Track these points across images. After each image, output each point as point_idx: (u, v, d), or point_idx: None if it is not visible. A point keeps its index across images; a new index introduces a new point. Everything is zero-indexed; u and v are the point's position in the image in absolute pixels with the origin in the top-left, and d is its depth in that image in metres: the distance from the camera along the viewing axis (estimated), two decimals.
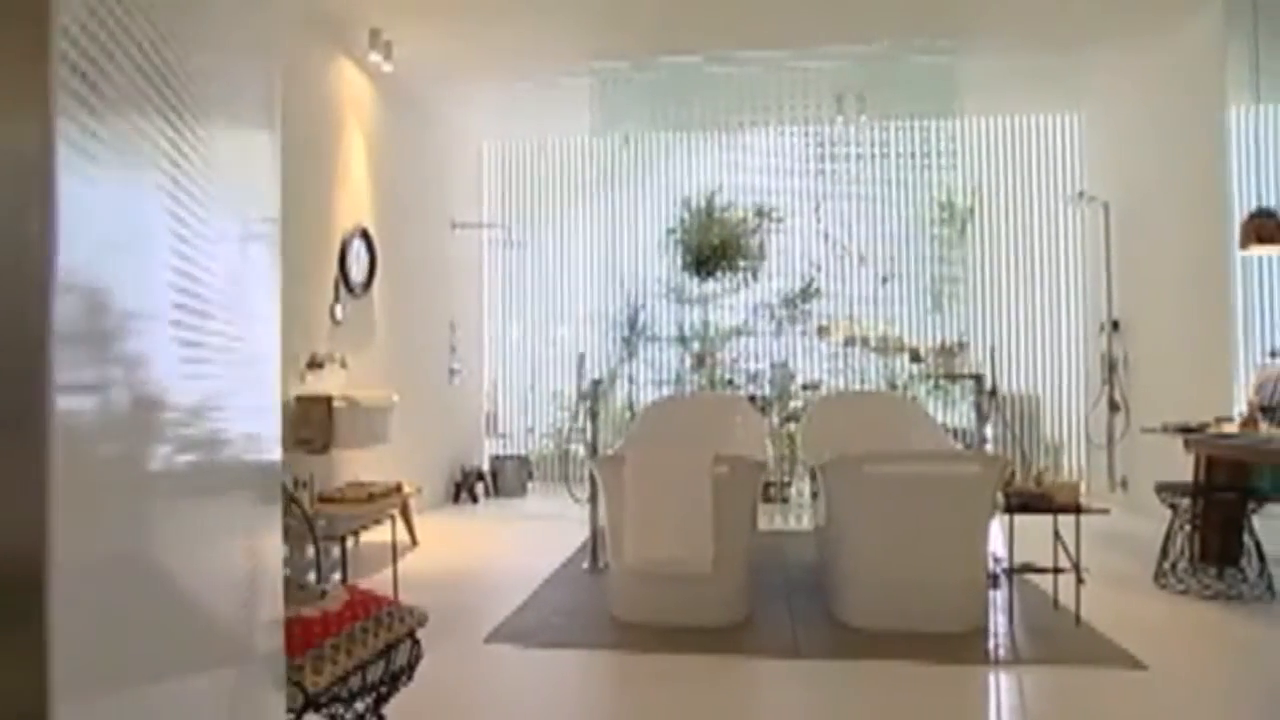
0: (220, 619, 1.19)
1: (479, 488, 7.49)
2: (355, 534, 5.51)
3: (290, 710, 1.56)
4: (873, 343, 6.82)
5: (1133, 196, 6.54)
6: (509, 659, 3.35)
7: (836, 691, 3.04)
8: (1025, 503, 3.88)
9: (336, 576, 3.35)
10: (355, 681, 1.77)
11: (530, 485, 7.80)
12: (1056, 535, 3.91)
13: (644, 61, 6.43)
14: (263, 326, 1.36)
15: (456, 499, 7.31)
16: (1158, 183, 6.19)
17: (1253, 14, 4.66)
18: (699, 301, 7.07)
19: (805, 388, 6.81)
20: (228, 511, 1.23)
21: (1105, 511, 6.43)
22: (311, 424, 4.81)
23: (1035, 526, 3.89)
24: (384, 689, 1.83)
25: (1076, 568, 3.74)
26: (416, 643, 1.95)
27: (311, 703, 1.59)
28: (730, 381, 7.12)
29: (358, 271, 5.67)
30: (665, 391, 7.16)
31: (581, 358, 5.39)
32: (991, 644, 3.41)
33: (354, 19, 5.50)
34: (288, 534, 3.30)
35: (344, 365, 5.30)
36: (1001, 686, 2.99)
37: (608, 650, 3.45)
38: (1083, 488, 7.40)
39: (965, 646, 3.37)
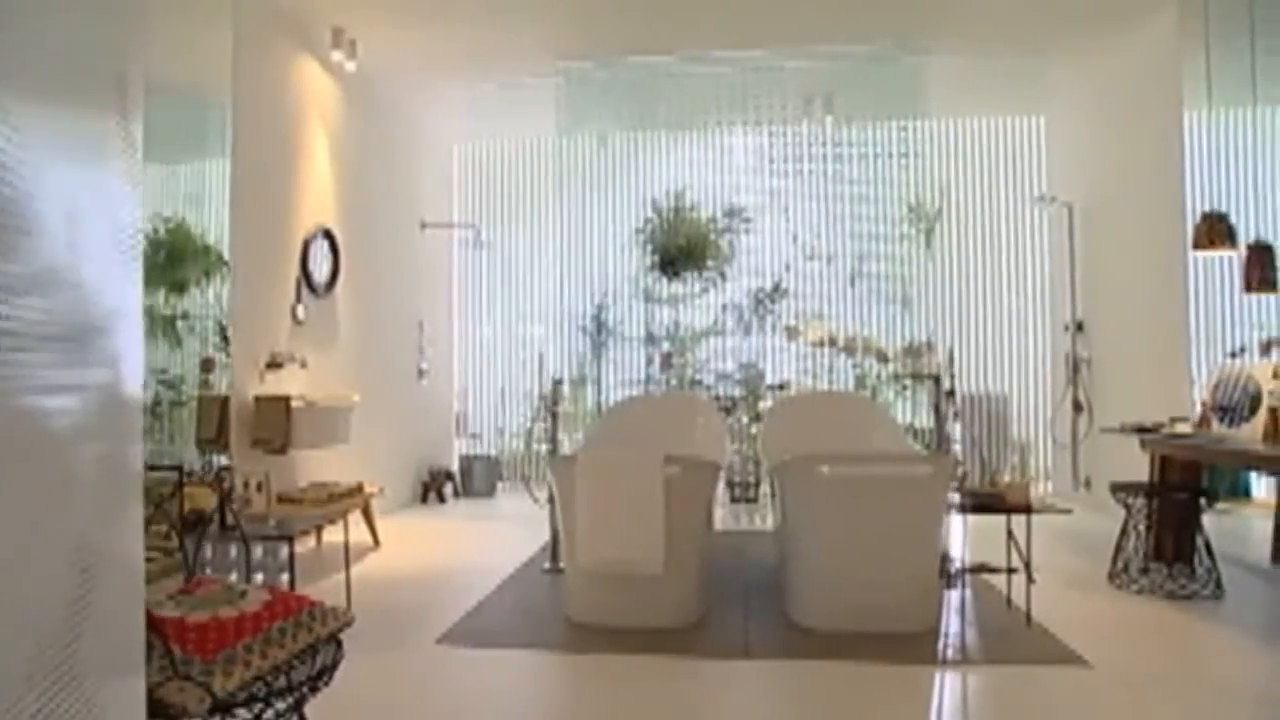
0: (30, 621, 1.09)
1: (448, 488, 7.46)
2: (318, 534, 5.50)
3: (196, 713, 1.55)
4: (841, 343, 6.84)
5: (1094, 198, 6.60)
6: (458, 660, 3.33)
7: (783, 693, 3.05)
8: (979, 503, 3.90)
9: (285, 577, 3.32)
10: (272, 683, 1.75)
11: (501, 485, 7.78)
12: (1010, 535, 3.94)
13: (610, 62, 6.43)
14: (121, 331, 1.30)
15: (425, 499, 7.28)
16: (1117, 185, 6.25)
17: (1204, 21, 4.71)
18: (668, 302, 7.07)
19: (772, 388, 6.82)
20: (51, 514, 1.14)
21: (1068, 511, 6.50)
22: (269, 424, 4.78)
23: (1001, 527, 3.93)
24: (303, 691, 1.81)
25: (1028, 568, 3.77)
26: (339, 644, 1.93)
27: (220, 705, 1.58)
28: (699, 382, 7.13)
29: (320, 271, 5.63)
30: (634, 392, 7.16)
31: (542, 358, 5.38)
32: (941, 644, 3.43)
33: (316, 17, 5.47)
34: (223, 533, 3.28)
35: (304, 365, 5.26)
36: (946, 687, 3.00)
37: (558, 651, 3.44)
38: (1048, 488, 7.51)
39: (916, 647, 3.38)
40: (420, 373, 7.35)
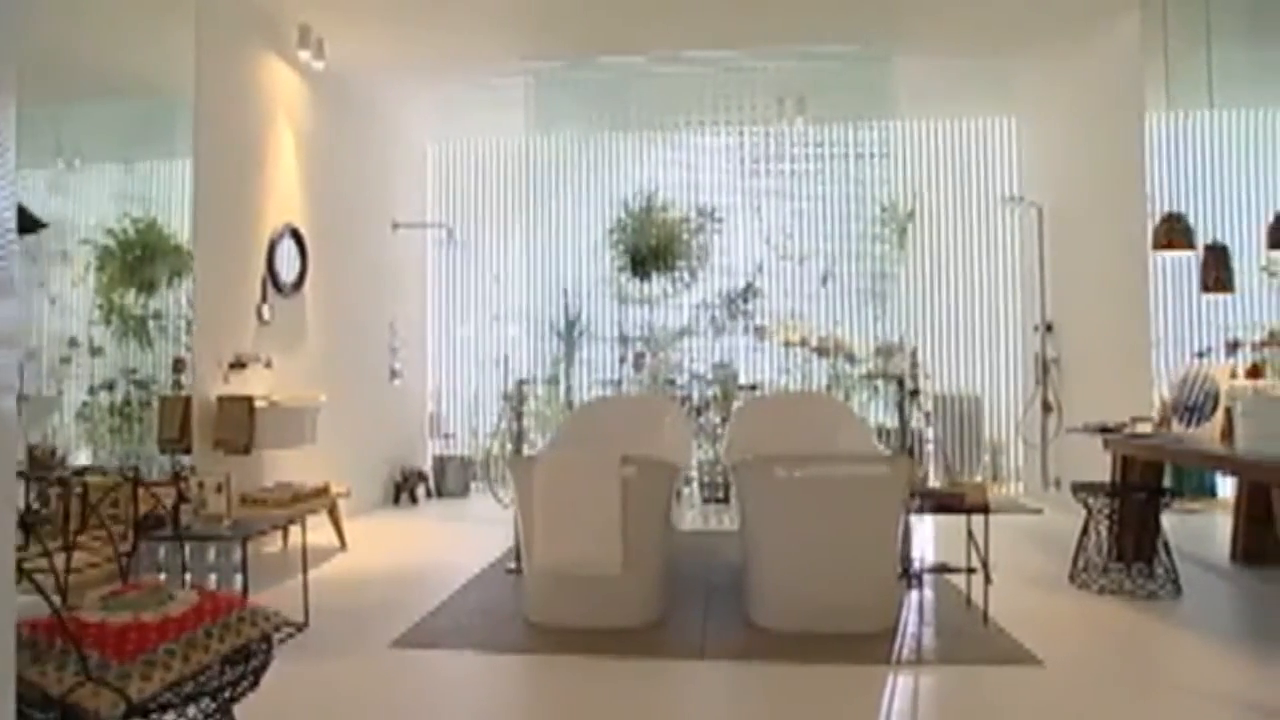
0: None
1: (420, 489, 7.44)
2: (284, 536, 5.46)
3: (111, 718, 1.53)
4: (812, 343, 6.85)
5: (1062, 200, 6.63)
6: (410, 663, 3.32)
7: (735, 694, 3.05)
8: (938, 504, 3.92)
9: (239, 580, 3.30)
10: (203, 685, 1.74)
11: (474, 486, 7.76)
12: (969, 535, 3.95)
13: (579, 62, 6.43)
14: None
15: (397, 500, 7.25)
16: (1083, 186, 6.29)
17: (1163, 26, 4.75)
18: (640, 302, 7.07)
19: (742, 388, 6.82)
20: None
21: (1038, 511, 6.58)
22: (232, 425, 4.75)
23: (972, 526, 3.94)
24: (230, 694, 1.80)
25: (985, 567, 3.79)
26: (269, 647, 1.92)
27: (136, 710, 1.56)
28: (672, 382, 7.13)
29: (287, 271, 5.60)
30: (607, 392, 7.15)
31: (506, 358, 5.37)
32: (897, 644, 3.43)
33: (283, 15, 5.45)
34: (176, 535, 3.25)
35: (268, 365, 5.23)
36: (898, 687, 3.01)
37: (514, 653, 3.43)
38: (1020, 488, 7.55)
39: (872, 647, 3.39)
40: (392, 373, 7.32)
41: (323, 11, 5.43)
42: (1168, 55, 4.67)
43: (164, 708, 1.65)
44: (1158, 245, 4.54)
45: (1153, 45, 4.94)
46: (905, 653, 3.35)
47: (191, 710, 1.80)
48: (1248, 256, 6.06)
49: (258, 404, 4.82)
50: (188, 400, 4.66)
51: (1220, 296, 4.52)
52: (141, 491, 3.95)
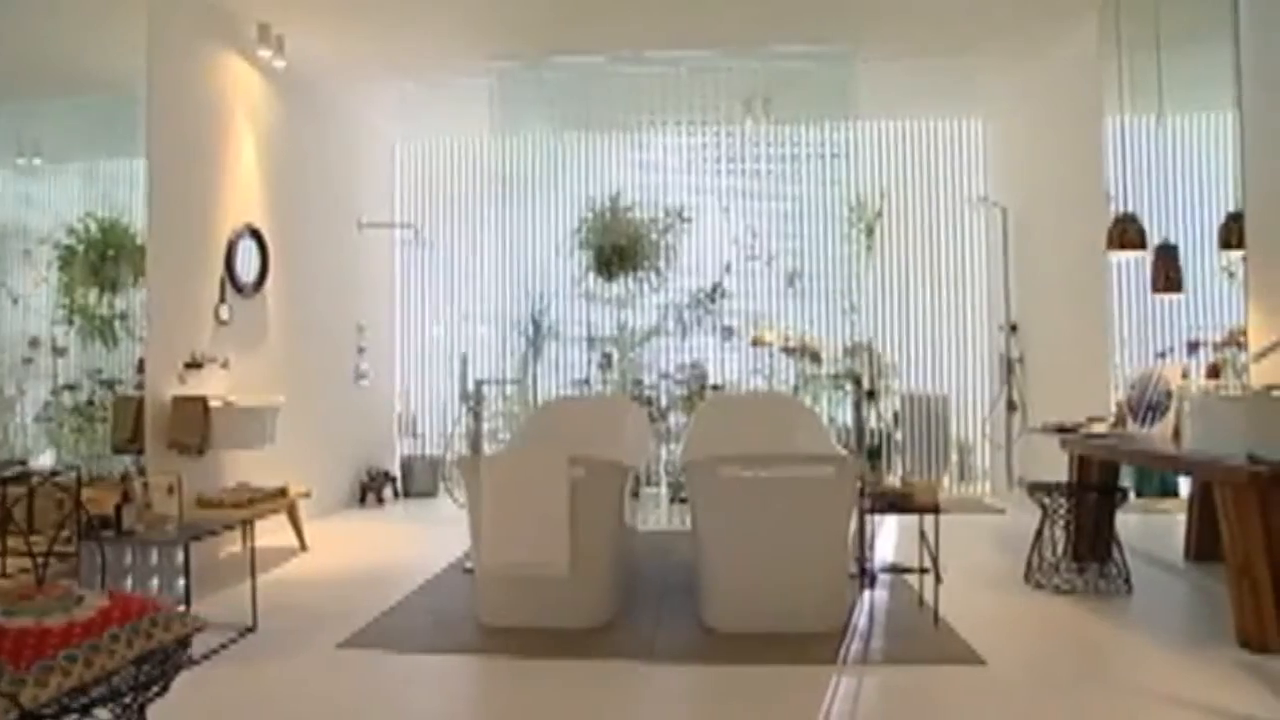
0: None
1: (388, 490, 7.40)
2: (244, 537, 5.41)
3: None
4: (778, 344, 6.85)
5: (1027, 201, 6.67)
6: (356, 665, 3.29)
7: (677, 696, 3.05)
8: (889, 503, 3.93)
9: (181, 583, 3.27)
10: (101, 691, 1.72)
11: (444, 486, 7.72)
12: (921, 536, 3.96)
13: (543, 62, 6.41)
14: None
15: (363, 501, 7.21)
16: (1046, 188, 6.33)
17: (1115, 30, 4.78)
18: (609, 302, 7.05)
19: (707, 388, 6.82)
20: None
21: (1001, 511, 6.61)
22: (186, 426, 4.70)
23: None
24: (138, 699, 1.78)
25: (935, 567, 3.80)
26: (183, 650, 1.90)
27: (29, 716, 1.54)
28: (640, 382, 7.11)
29: (247, 271, 5.55)
30: (575, 392, 7.13)
31: (465, 359, 5.35)
32: (844, 645, 3.43)
33: (241, 12, 5.40)
34: (119, 538, 3.20)
35: (225, 366, 5.18)
36: (839, 688, 3.01)
37: (462, 654, 3.41)
38: (986, 487, 7.58)
39: (820, 647, 3.38)
40: (359, 374, 7.28)
41: (282, 9, 5.39)
42: (1121, 58, 4.70)
43: (65, 711, 1.63)
44: (1111, 246, 4.57)
45: (1111, 49, 4.97)
46: (852, 653, 3.35)
47: (103, 714, 1.78)
48: (1212, 257, 6.11)
49: (213, 404, 4.78)
50: (141, 401, 4.61)
51: (1173, 296, 4.54)
52: (90, 494, 3.92)
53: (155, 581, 3.30)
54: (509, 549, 3.55)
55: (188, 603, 3.25)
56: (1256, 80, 3.88)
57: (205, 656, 3.28)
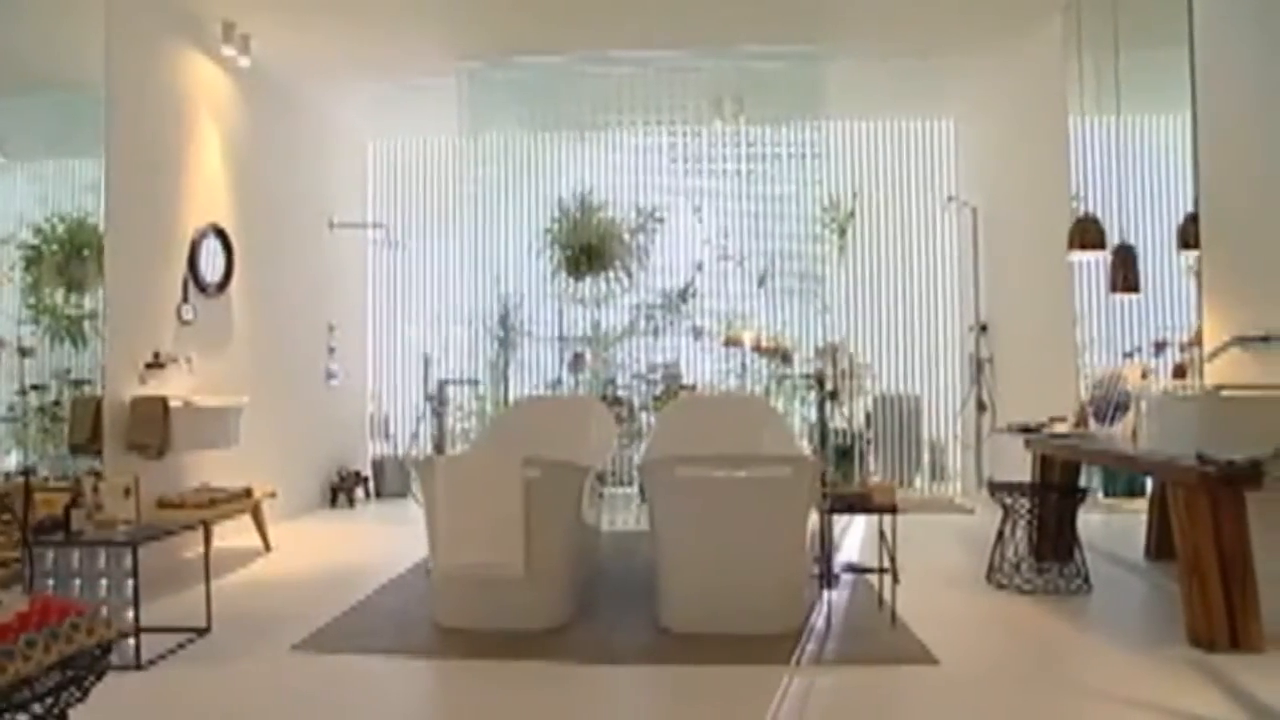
0: None
1: (359, 490, 7.37)
2: (206, 539, 5.37)
3: None
4: (749, 344, 6.86)
5: (995, 201, 6.70)
6: (308, 667, 3.27)
7: (627, 697, 3.04)
8: (848, 504, 3.93)
9: (131, 584, 3.24)
10: (18, 696, 1.69)
11: (413, 487, 7.69)
12: (881, 536, 3.97)
13: (513, 63, 6.40)
14: None
15: (334, 502, 7.17)
16: (1013, 188, 6.36)
17: (1077, 32, 4.81)
18: (581, 302, 7.04)
19: (682, 388, 6.81)
20: None
21: (971, 511, 6.62)
22: (145, 427, 4.67)
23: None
24: (56, 704, 1.76)
25: (894, 567, 3.80)
26: (104, 655, 1.88)
27: None
28: (612, 382, 7.10)
29: (211, 271, 5.52)
30: (549, 392, 7.11)
31: (427, 359, 5.32)
32: (800, 646, 3.43)
33: (205, 11, 5.37)
34: (67, 541, 3.17)
35: (188, 365, 5.14)
36: (790, 689, 3.00)
37: (416, 656, 3.39)
38: (957, 487, 7.60)
39: (775, 648, 3.37)
40: (329, 374, 7.24)
41: (246, 8, 5.36)
42: (1081, 60, 4.73)
43: None
44: (1072, 246, 4.59)
45: (1074, 51, 4.99)
46: (807, 653, 3.35)
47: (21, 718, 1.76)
48: (1178, 258, 6.15)
49: (173, 405, 4.74)
50: (99, 402, 4.57)
51: (1132, 296, 4.57)
52: (43, 496, 3.88)
53: (104, 584, 3.26)
54: (463, 550, 3.53)
55: (136, 606, 3.21)
56: (1209, 83, 3.91)
57: (155, 660, 3.25)
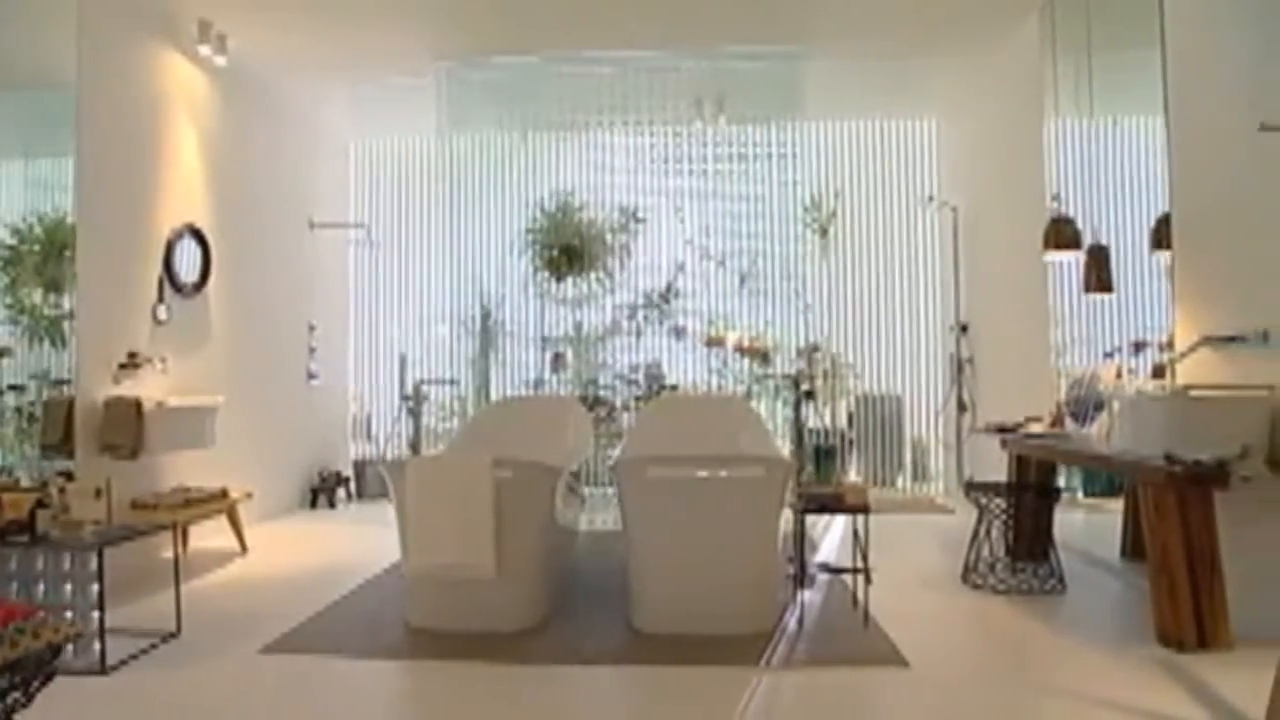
0: None
1: (340, 492, 7.33)
2: (183, 540, 5.34)
3: None
4: (730, 344, 6.85)
5: (975, 201, 6.71)
6: (278, 668, 3.25)
7: (593, 699, 3.03)
8: (821, 504, 3.93)
9: (96, 587, 3.21)
10: None
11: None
12: (855, 536, 3.96)
13: (493, 62, 6.39)
14: None
15: (314, 504, 7.13)
16: (993, 189, 6.37)
17: (1051, 34, 4.82)
18: (563, 302, 7.02)
19: (665, 389, 6.80)
20: None
21: (951, 511, 6.63)
22: (118, 428, 4.63)
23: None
24: (5, 706, 1.74)
25: (866, 566, 3.80)
26: (52, 659, 1.86)
27: None
28: (594, 382, 7.09)
29: (188, 271, 5.49)
30: (528, 393, 7.09)
31: (403, 360, 5.31)
32: (769, 647, 3.42)
33: (180, 10, 5.33)
34: (32, 543, 3.13)
35: (162, 366, 5.10)
36: (757, 691, 2.99)
37: (386, 658, 3.37)
38: (939, 487, 7.60)
39: (747, 650, 3.36)
40: (310, 375, 7.21)
41: (222, 7, 5.33)
42: (1055, 62, 4.74)
43: None
44: (1047, 246, 4.60)
45: (1048, 55, 5.01)
46: (777, 655, 3.34)
47: None
48: (1157, 258, 6.16)
49: (146, 406, 4.71)
50: (71, 403, 4.54)
51: (1105, 296, 4.58)
52: (9, 497, 3.85)
53: (68, 587, 3.24)
54: (433, 551, 3.52)
55: (101, 609, 3.19)
56: (1181, 84, 3.92)
57: (120, 663, 3.22)
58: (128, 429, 4.65)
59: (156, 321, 5.17)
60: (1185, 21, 3.88)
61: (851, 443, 7.44)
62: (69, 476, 4.22)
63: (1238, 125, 3.39)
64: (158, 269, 5.22)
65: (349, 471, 7.60)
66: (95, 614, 3.19)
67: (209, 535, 5.49)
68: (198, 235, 5.59)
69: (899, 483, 7.67)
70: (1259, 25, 3.42)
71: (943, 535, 5.67)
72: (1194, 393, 3.46)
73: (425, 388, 5.08)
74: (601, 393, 7.00)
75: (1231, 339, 3.51)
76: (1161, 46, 3.96)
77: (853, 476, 7.28)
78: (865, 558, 3.79)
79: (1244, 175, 3.49)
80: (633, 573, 3.73)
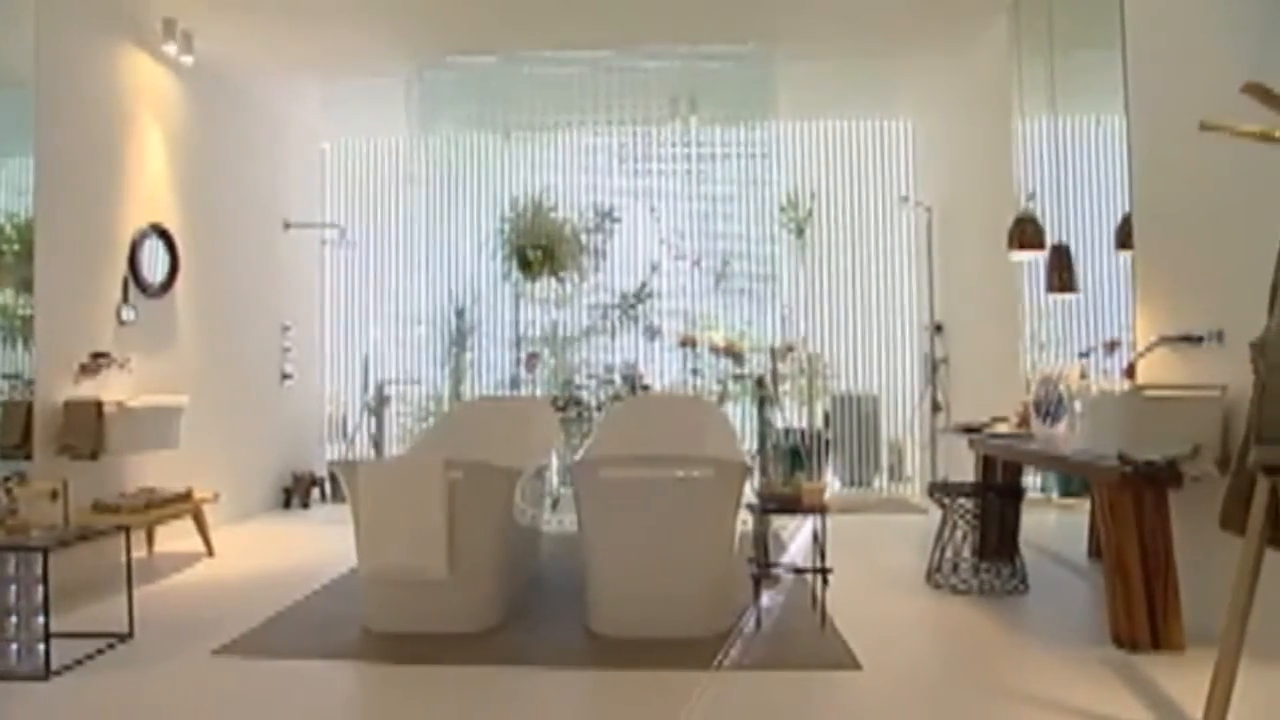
0: None
1: (315, 492, 7.30)
2: (149, 542, 5.31)
3: None
4: (703, 344, 6.83)
5: (948, 201, 6.71)
6: (229, 671, 3.22)
7: (545, 702, 3.01)
8: (779, 504, 3.91)
9: (41, 590, 3.18)
10: None
11: None
12: (814, 537, 3.94)
13: (465, 62, 6.36)
14: None
15: (288, 505, 7.10)
16: (964, 189, 6.37)
17: (1017, 34, 4.82)
18: (537, 302, 7.00)
19: (637, 389, 6.78)
20: None
21: (924, 511, 6.62)
22: (78, 430, 4.59)
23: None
24: None
25: (823, 567, 3.78)
26: None
27: None
28: (569, 383, 7.06)
29: (153, 271, 5.45)
30: (501, 393, 7.06)
31: (368, 360, 5.28)
32: (723, 650, 3.39)
33: (143, 7, 5.29)
34: None
35: (124, 367, 5.06)
36: (704, 695, 2.97)
37: (340, 660, 3.34)
38: (914, 487, 7.59)
39: (700, 653, 3.32)
40: (284, 376, 7.17)
41: (187, 4, 5.28)
42: (1020, 62, 4.73)
43: None
44: (1012, 246, 4.59)
45: (1026, 47, 4.99)
46: (727, 658, 3.32)
47: None
48: (1125, 258, 6.17)
49: (106, 408, 4.67)
50: (29, 405, 4.50)
51: (1069, 296, 4.58)
52: None
53: (13, 590, 3.20)
54: (385, 552, 3.50)
55: (46, 613, 3.15)
56: (1139, 85, 3.91)
57: (65, 668, 3.18)
58: (86, 430, 4.61)
59: (120, 322, 5.13)
60: (1145, 21, 3.87)
61: (828, 443, 7.42)
62: (19, 477, 4.18)
63: (1194, 126, 3.38)
64: (122, 269, 5.19)
65: (324, 472, 7.57)
66: (40, 618, 3.16)
67: (177, 537, 5.45)
68: (164, 235, 5.56)
69: (875, 483, 7.66)
70: (1218, 26, 3.41)
71: (915, 535, 5.66)
72: (1148, 393, 3.45)
73: (391, 388, 5.04)
74: (576, 393, 6.97)
75: (1186, 338, 3.50)
76: (1122, 46, 3.95)
77: (829, 477, 7.27)
78: (824, 557, 3.77)
79: (1200, 175, 3.48)
80: (588, 575, 3.71)
